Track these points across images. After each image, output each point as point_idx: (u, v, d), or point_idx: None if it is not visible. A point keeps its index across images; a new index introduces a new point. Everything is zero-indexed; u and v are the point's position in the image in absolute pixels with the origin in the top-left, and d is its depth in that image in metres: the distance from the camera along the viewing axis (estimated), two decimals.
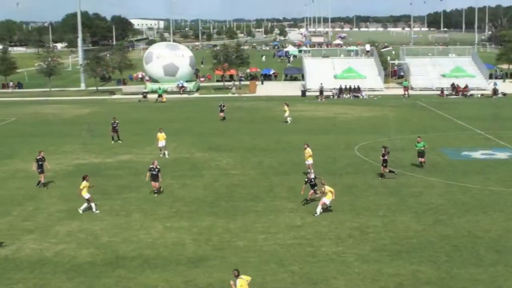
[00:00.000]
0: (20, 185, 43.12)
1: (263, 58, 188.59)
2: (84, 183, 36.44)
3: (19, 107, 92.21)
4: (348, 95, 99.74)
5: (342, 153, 52.33)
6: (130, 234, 32.38)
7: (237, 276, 22.80)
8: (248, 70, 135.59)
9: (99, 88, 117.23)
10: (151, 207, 37.09)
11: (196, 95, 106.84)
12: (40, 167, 42.94)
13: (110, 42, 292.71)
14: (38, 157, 43.24)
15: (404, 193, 39.66)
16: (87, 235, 32.38)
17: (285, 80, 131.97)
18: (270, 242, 30.89)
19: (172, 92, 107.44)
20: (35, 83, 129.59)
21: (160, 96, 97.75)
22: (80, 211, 36.14)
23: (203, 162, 49.60)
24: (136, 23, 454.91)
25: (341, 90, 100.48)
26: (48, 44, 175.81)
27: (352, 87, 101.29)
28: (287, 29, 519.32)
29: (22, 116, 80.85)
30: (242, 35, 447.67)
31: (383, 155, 43.20)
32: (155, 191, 39.67)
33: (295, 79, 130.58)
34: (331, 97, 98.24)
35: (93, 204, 36.53)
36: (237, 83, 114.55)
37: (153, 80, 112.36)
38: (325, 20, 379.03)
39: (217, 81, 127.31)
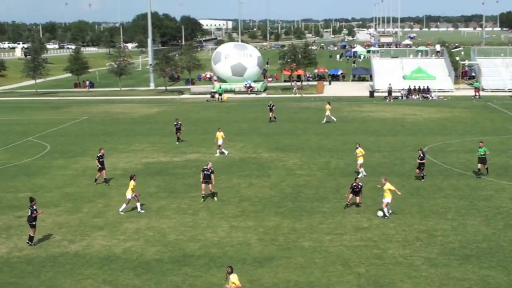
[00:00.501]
0: (91, 182, 43.98)
1: (337, 57, 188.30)
2: (132, 183, 36.84)
3: (91, 106, 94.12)
4: (417, 96, 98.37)
5: (410, 154, 51.64)
6: (197, 232, 32.67)
7: (230, 273, 23.21)
8: (315, 71, 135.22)
9: (168, 87, 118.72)
10: (218, 206, 37.35)
11: (264, 95, 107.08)
12: (101, 164, 43.87)
13: (179, 42, 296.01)
14: (99, 154, 44.18)
15: (474, 196, 38.92)
16: (154, 232, 32.82)
17: (353, 80, 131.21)
18: (336, 243, 30.74)
19: (239, 92, 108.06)
20: (106, 83, 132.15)
21: (220, 95, 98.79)
22: (121, 212, 36.65)
23: (269, 162, 49.70)
24: (205, 23, 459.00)
25: (410, 91, 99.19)
26: (119, 44, 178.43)
27: (421, 87, 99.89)
28: (355, 29, 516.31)
29: (93, 115, 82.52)
30: (310, 35, 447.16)
31: (421, 158, 42.57)
32: (203, 196, 39.05)
33: (363, 79, 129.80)
34: (400, 98, 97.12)
35: (138, 204, 36.95)
36: (299, 83, 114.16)
37: (221, 80, 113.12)
38: (395, 19, 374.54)
39: (285, 81, 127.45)
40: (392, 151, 53.34)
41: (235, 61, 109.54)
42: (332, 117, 71.67)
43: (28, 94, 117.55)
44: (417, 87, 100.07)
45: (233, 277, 22.94)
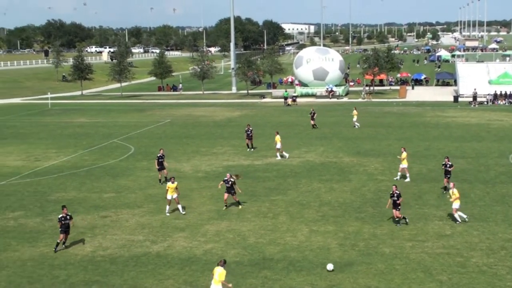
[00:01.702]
0: None
1: (425, 61, 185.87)
2: (170, 185, 37.18)
3: (174, 109, 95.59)
4: (503, 102, 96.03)
5: (496, 161, 50.46)
6: (277, 236, 32.74)
7: (223, 265, 23.85)
8: (398, 75, 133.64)
9: (250, 91, 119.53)
10: (298, 210, 37.34)
11: (345, 99, 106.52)
12: (160, 164, 44.77)
13: (261, 46, 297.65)
14: (159, 155, 45.16)
15: None
16: (235, 235, 33.06)
17: (436, 85, 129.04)
18: (417, 250, 30.28)
19: (321, 96, 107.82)
20: (189, 86, 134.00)
21: (286, 99, 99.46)
22: (167, 214, 37.18)
23: (350, 166, 49.39)
24: (287, 27, 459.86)
25: (495, 96, 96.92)
26: (202, 48, 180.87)
27: (508, 93, 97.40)
28: (439, 33, 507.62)
29: (176, 118, 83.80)
30: (393, 39, 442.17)
31: (448, 166, 40.71)
32: (226, 205, 38.58)
33: (447, 84, 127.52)
34: (485, 103, 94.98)
35: (179, 206, 37.40)
36: (367, 88, 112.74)
37: (302, 84, 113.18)
38: (481, 23, 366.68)
39: (367, 85, 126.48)
40: (477, 157, 52.20)
41: (317, 65, 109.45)
42: (356, 123, 71.25)
43: (114, 97, 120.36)
44: (503, 92, 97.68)
45: (220, 270, 23.75)
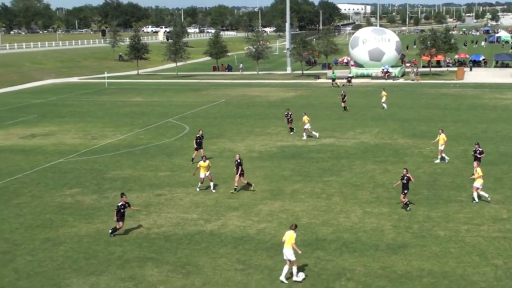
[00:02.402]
0: (227, 164, 44.84)
1: (483, 43, 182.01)
2: (202, 163, 37.67)
3: (228, 89, 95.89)
4: None
5: None
6: (330, 217, 32.66)
7: (294, 229, 24.67)
8: (456, 56, 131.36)
9: (305, 72, 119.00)
10: (352, 191, 37.17)
11: (401, 80, 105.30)
12: (198, 144, 45.64)
13: (317, 26, 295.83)
14: (197, 135, 45.95)
15: None
16: (288, 215, 33.10)
17: (495, 66, 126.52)
18: (472, 233, 29.87)
19: (376, 77, 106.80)
20: (244, 66, 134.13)
21: (333, 80, 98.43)
22: (197, 189, 37.93)
23: (405, 148, 48.89)
24: (343, 7, 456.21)
25: None
26: (257, 28, 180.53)
27: None
28: (499, 13, 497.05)
29: (230, 98, 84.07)
30: (451, 19, 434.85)
31: (478, 152, 39.49)
32: (235, 188, 38.03)
33: (506, 66, 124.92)
34: None
35: (212, 184, 37.96)
36: (415, 69, 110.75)
37: (358, 65, 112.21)
38: None
39: (423, 66, 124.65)
40: None
41: (373, 46, 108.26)
42: (385, 105, 70.53)
43: (169, 76, 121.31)
44: None
45: (290, 233, 24.74)
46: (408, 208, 33.45)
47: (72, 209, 34.92)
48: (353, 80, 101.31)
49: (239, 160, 37.84)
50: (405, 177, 33.86)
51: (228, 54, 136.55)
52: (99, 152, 49.96)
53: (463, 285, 23.99)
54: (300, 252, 25.20)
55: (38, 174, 43.22)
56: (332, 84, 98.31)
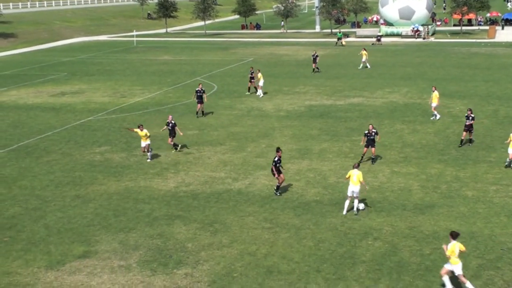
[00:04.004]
0: (254, 122, 44.91)
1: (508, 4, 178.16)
2: (139, 131, 36.06)
3: (257, 48, 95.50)
4: None
5: None
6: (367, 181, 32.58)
7: (357, 167, 24.35)
8: (488, 15, 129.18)
9: (334, 30, 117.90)
10: (380, 151, 36.97)
11: (431, 39, 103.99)
12: (199, 98, 46.70)
13: None
14: (197, 89, 47.13)
15: None
16: (315, 174, 33.13)
17: None
18: (501, 194, 29.70)
19: (406, 36, 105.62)
20: (272, 25, 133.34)
21: (339, 39, 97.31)
22: (148, 160, 36.55)
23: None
24: None
25: None
26: None
27: None
28: None
29: (259, 57, 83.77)
30: None
31: (471, 119, 37.40)
32: (174, 147, 38.17)
33: None
34: None
35: (149, 154, 36.42)
36: (427, 29, 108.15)
37: (388, 23, 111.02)
38: None
39: (454, 25, 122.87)
40: None
41: (403, 4, 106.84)
42: (367, 64, 69.56)
43: (198, 35, 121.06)
44: None
45: (357, 172, 25.16)
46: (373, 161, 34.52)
47: (101, 166, 35.27)
48: (383, 39, 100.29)
49: (173, 122, 37.82)
50: (372, 133, 34.20)
51: (257, 12, 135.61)
52: (128, 110, 50.24)
53: (490, 246, 23.94)
54: (367, 187, 28.42)
55: (68, 132, 43.62)
56: (336, 43, 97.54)
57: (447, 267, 20.75)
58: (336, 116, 46.79)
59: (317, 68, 68.53)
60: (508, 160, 33.38)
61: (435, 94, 44.42)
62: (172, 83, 62.41)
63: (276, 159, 30.03)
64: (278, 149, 30.42)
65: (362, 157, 35.35)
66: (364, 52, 70.78)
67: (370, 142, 34.53)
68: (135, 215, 27.89)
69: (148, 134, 36.17)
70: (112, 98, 55.64)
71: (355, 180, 27.16)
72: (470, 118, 37.27)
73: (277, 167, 29.98)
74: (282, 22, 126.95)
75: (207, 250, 24.11)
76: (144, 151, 36.64)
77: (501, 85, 57.89)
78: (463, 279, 20.52)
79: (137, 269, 22.68)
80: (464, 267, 22.06)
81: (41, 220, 27.61)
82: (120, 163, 35.89)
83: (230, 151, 37.95)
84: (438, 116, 44.83)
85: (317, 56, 68.97)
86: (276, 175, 30.07)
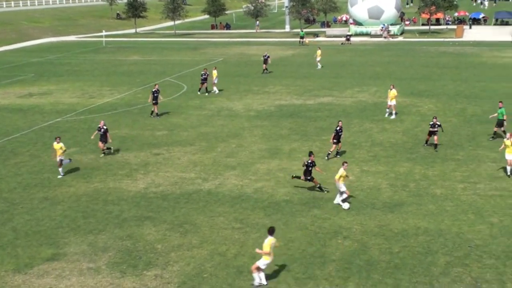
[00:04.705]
0: (224, 122, 44.87)
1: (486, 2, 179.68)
2: (54, 144, 33.78)
3: (227, 48, 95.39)
4: None
5: None
6: (327, 176, 32.66)
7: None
8: (456, 14, 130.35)
9: (304, 30, 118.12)
10: (349, 150, 37.18)
11: (400, 38, 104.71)
12: (155, 99, 46.52)
13: None
14: (153, 90, 46.78)
15: None
16: (285, 174, 33.15)
17: (495, 24, 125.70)
18: (469, 191, 30.00)
19: (375, 36, 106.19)
20: (242, 25, 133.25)
21: (302, 38, 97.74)
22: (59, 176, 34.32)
23: (403, 107, 48.77)
24: None
25: None
26: None
27: None
28: None
29: (229, 56, 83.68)
30: None
31: (437, 126, 36.82)
32: (103, 152, 37.46)
33: (506, 23, 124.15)
34: None
35: (60, 169, 33.82)
36: (387, 28, 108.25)
37: (357, 23, 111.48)
38: None
39: (423, 24, 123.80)
40: None
41: (373, 4, 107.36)
42: (319, 64, 70.24)
43: (167, 35, 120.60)
44: None
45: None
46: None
47: (70, 168, 34.96)
48: (352, 39, 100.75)
49: (105, 127, 36.87)
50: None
51: (227, 12, 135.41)
52: (96, 111, 49.89)
53: (458, 243, 24.17)
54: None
55: (35, 133, 43.23)
56: (299, 42, 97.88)
57: (262, 263, 21.32)
58: (306, 115, 46.91)
59: (266, 69, 68.01)
60: (508, 168, 32.14)
61: (393, 92, 45.01)
62: (142, 84, 62.10)
63: (309, 162, 30.17)
64: (310, 153, 30.64)
65: (329, 153, 35.96)
66: (318, 51, 70.88)
67: (338, 138, 35.52)
68: (104, 217, 27.71)
69: (64, 149, 33.61)
70: (80, 99, 55.22)
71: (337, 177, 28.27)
72: (436, 126, 36.91)
73: (309, 170, 30.13)
74: (257, 22, 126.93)
75: (177, 251, 24.05)
76: (59, 165, 33.64)
77: (469, 84, 58.45)
78: (258, 271, 21.23)
79: (106, 271, 22.54)
80: (432, 264, 22.33)
81: (8, 223, 27.33)
82: (89, 165, 35.64)
83: (200, 151, 37.86)
84: (393, 115, 45.43)
85: (268, 57, 68.62)
86: (309, 179, 30.33)
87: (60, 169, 33.67)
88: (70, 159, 34.86)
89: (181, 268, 22.67)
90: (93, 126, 44.36)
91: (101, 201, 29.77)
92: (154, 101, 46.72)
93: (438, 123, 37.09)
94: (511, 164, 32.05)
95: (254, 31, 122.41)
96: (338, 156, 36.00)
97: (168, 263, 23.08)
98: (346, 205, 27.96)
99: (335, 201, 28.61)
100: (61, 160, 33.54)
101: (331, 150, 35.95)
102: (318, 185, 30.36)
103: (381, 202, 28.85)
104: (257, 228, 26.02)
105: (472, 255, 23.12)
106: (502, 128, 39.20)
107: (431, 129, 37.15)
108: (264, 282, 21.25)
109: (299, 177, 30.50)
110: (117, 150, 38.08)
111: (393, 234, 25.24)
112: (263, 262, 21.20)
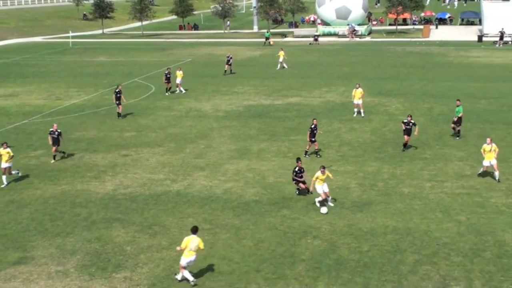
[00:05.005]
0: (193, 123, 44.76)
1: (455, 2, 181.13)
2: (1, 150, 32.34)
3: (195, 48, 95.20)
4: None
5: None
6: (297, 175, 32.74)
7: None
8: (422, 14, 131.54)
9: (271, 30, 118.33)
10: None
11: (368, 38, 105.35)
12: (118, 99, 46.58)
13: None
14: (117, 90, 46.89)
15: None
16: (254, 174, 33.17)
17: (461, 24, 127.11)
18: (436, 190, 30.25)
19: (343, 36, 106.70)
20: (210, 25, 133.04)
21: (267, 39, 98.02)
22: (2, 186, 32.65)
23: (371, 107, 49.06)
24: None
25: None
26: None
27: None
28: None
29: (197, 57, 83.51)
30: None
31: (412, 124, 36.44)
32: (54, 156, 36.34)
33: (472, 23, 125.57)
34: (510, 43, 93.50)
35: (4, 177, 32.34)
36: (351, 29, 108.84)
37: (325, 23, 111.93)
38: None
39: (390, 24, 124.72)
40: (500, 98, 51.68)
41: (340, 4, 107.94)
42: (284, 64, 70.53)
43: (135, 35, 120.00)
44: None
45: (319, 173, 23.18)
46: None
47: (37, 170, 34.61)
48: (320, 39, 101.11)
49: (58, 131, 36.08)
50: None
51: (194, 12, 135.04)
52: (63, 113, 49.45)
53: (426, 241, 24.35)
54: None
55: (1, 135, 42.62)
56: (264, 42, 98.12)
57: (184, 262, 21.53)
58: (274, 116, 46.96)
59: (230, 70, 67.66)
60: (481, 170, 31.96)
61: (360, 91, 45.37)
62: (109, 85, 61.64)
63: (296, 169, 29.87)
64: (298, 160, 30.36)
65: (307, 151, 36.37)
66: (281, 52, 70.96)
67: (314, 136, 35.86)
68: (72, 219, 27.45)
69: (12, 154, 32.36)
70: (47, 100, 54.70)
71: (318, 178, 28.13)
72: (411, 124, 36.52)
73: (298, 177, 29.82)
74: (228, 22, 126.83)
75: (146, 253, 23.91)
76: (9, 173, 32.42)
77: (436, 84, 58.98)
78: (182, 269, 21.47)
79: (75, 274, 22.34)
80: (401, 263, 22.47)
81: None
82: (56, 167, 35.29)
83: (168, 152, 37.71)
84: (362, 114, 45.90)
85: (231, 58, 68.16)
86: (300, 184, 29.98)
87: (4, 177, 32.19)
88: (18, 171, 33.51)
89: (151, 270, 22.54)
90: (60, 128, 43.95)
91: (69, 203, 29.48)
92: (117, 102, 46.57)
93: (412, 121, 36.79)
94: (497, 169, 31.24)
95: (222, 31, 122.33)
96: (318, 156, 36.10)
97: (138, 265, 22.94)
98: (324, 209, 27.64)
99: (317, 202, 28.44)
100: (9, 168, 32.44)
101: (307, 148, 36.21)
102: (306, 189, 29.84)
103: (350, 201, 28.97)
104: (227, 229, 25.97)
105: (440, 253, 23.31)
106: (459, 127, 39.52)
107: (406, 126, 36.57)
108: (190, 278, 21.30)
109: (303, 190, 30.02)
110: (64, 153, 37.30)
111: (362, 233, 25.35)
112: (183, 260, 21.33)
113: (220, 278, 21.70)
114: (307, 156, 36.01)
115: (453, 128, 39.75)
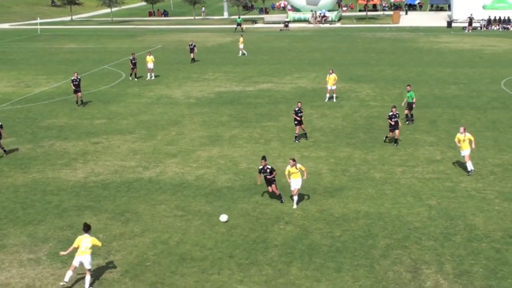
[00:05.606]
0: (164, 110, 44.59)
1: None
2: None
3: (165, 35, 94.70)
4: (497, 27, 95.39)
5: (488, 87, 50.45)
6: (268, 161, 32.44)
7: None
8: (392, 0, 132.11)
9: (242, 17, 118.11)
10: (290, 136, 37.35)
11: (338, 25, 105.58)
12: (77, 86, 46.26)
13: None
14: (73, 78, 46.65)
15: None
16: (226, 161, 33.17)
17: (430, 10, 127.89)
18: (407, 175, 30.49)
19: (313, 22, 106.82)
20: (180, 11, 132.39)
21: (239, 25, 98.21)
22: None
23: (342, 92, 49.23)
24: None
25: (489, 22, 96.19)
26: None
27: (502, 18, 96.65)
28: None
29: (167, 44, 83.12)
30: None
31: (397, 116, 34.95)
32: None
33: (441, 9, 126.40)
34: (479, 28, 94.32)
35: None
36: (316, 15, 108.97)
37: (295, 9, 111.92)
38: None
39: (360, 10, 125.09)
40: (469, 83, 52.16)
41: None
42: (244, 51, 71.09)
43: (104, 22, 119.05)
44: (497, 18, 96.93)
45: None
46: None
47: (7, 158, 34.27)
48: (290, 25, 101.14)
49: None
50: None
51: None
52: (33, 100, 48.97)
53: (397, 226, 24.56)
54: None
55: None
56: (236, 28, 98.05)
57: (76, 261, 20.64)
58: (245, 102, 46.94)
59: (193, 58, 66.84)
60: (468, 164, 30.52)
61: (333, 77, 45.69)
62: (79, 72, 61.03)
63: (260, 167, 27.88)
64: (263, 158, 27.80)
65: (296, 136, 36.57)
66: (241, 39, 71.00)
67: (300, 120, 36.18)
68: (43, 207, 27.26)
69: None
70: (16, 88, 54.12)
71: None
72: (397, 115, 34.95)
73: (267, 178, 27.61)
74: (203, 8, 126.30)
75: (118, 240, 23.84)
76: None
77: (406, 69, 59.35)
78: (71, 267, 20.59)
79: (47, 262, 22.21)
80: (373, 247, 22.65)
81: None
82: (27, 155, 34.98)
83: (140, 139, 37.54)
84: (334, 99, 46.26)
85: (194, 46, 67.37)
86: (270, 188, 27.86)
87: None
88: None
89: (123, 257, 22.48)
90: (30, 116, 43.64)
91: (40, 191, 29.26)
92: (75, 89, 46.35)
93: (397, 113, 35.16)
94: (469, 159, 30.61)
95: (192, 18, 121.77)
96: (306, 139, 36.75)
97: (110, 252, 22.86)
98: (223, 217, 25.63)
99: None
100: None
101: (296, 132, 36.40)
102: (279, 196, 27.87)
103: (322, 187, 29.10)
104: (199, 216, 25.96)
105: (412, 237, 23.53)
106: (411, 112, 39.82)
107: (392, 121, 34.87)
108: (66, 278, 20.45)
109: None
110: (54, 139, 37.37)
111: (334, 218, 25.50)
112: (75, 258, 20.55)
113: (193, 264, 21.72)
114: (296, 141, 36.25)
115: (407, 114, 39.90)
